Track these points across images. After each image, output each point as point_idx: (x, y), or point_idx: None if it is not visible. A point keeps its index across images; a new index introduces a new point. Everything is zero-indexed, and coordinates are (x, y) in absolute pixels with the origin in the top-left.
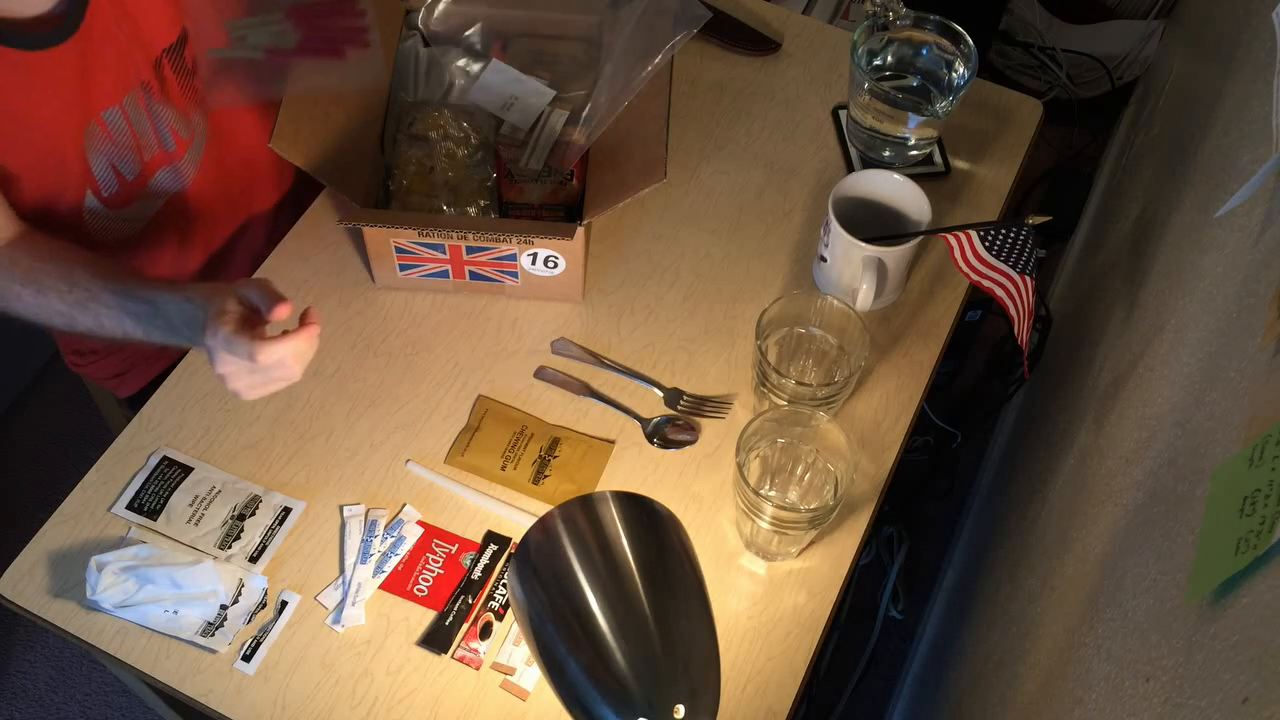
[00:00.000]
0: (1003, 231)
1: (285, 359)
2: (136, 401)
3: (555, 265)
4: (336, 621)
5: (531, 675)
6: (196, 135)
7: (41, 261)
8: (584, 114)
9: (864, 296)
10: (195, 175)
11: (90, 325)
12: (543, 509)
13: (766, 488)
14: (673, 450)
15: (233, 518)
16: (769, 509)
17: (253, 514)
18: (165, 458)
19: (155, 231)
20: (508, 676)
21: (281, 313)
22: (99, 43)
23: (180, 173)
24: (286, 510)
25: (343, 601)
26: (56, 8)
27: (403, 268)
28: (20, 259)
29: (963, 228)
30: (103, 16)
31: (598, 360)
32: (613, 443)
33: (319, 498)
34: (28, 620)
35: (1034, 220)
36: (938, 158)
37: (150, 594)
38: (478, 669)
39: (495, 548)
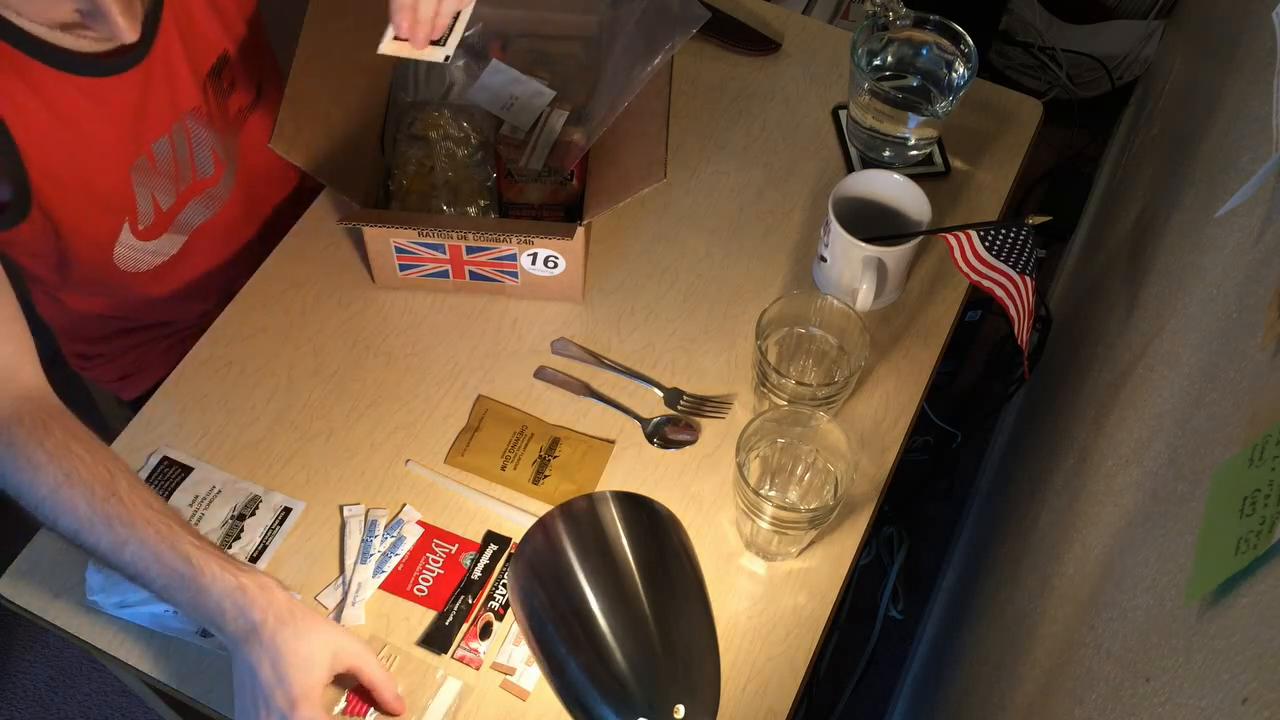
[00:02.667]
0: (1003, 231)
1: None
2: (139, 405)
3: (555, 265)
4: (336, 621)
5: (531, 675)
6: (231, 159)
7: (79, 445)
8: (584, 114)
9: (864, 296)
10: (226, 201)
11: (106, 549)
12: (543, 509)
13: (766, 488)
14: (673, 450)
15: (233, 518)
16: (769, 509)
17: (253, 514)
18: (165, 458)
19: (178, 265)
20: (508, 676)
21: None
22: (159, 69)
23: (213, 199)
24: (286, 510)
25: (343, 601)
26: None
27: (403, 268)
28: (55, 430)
29: (963, 228)
30: (167, 40)
31: (598, 360)
32: (613, 443)
33: (319, 498)
34: (28, 620)
35: (1034, 220)
36: (938, 158)
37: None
38: (478, 669)
39: (495, 548)
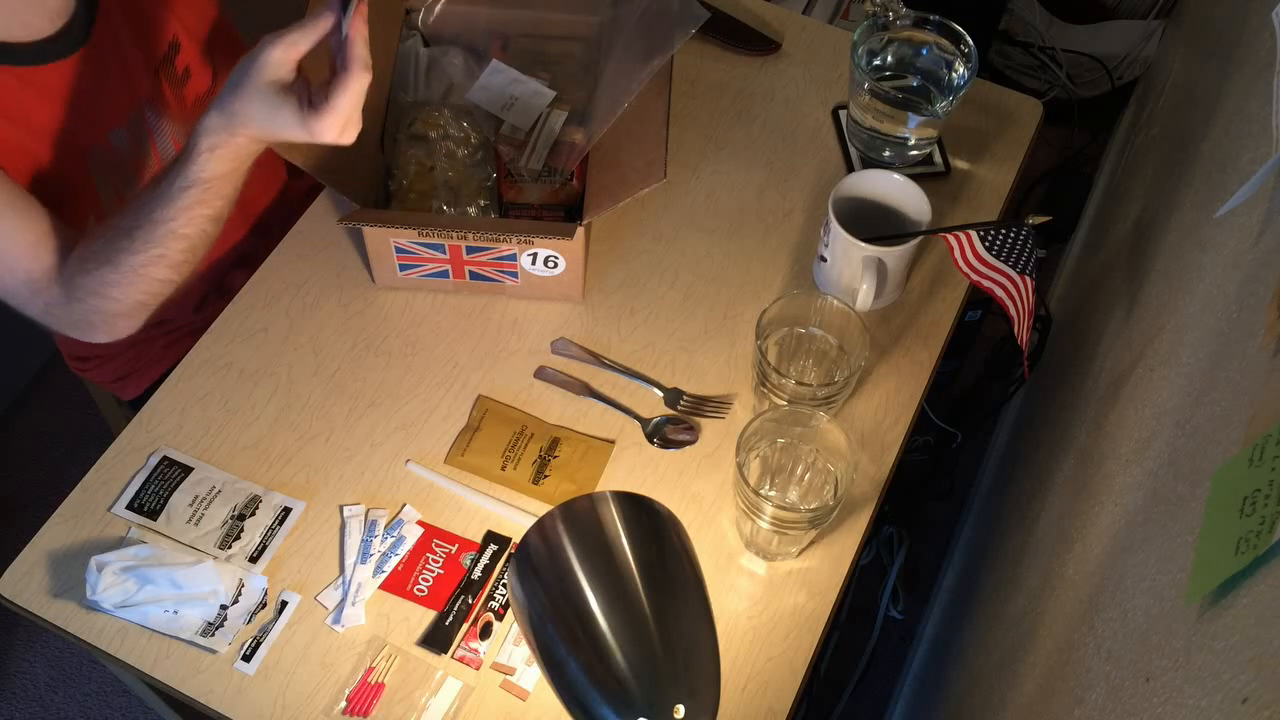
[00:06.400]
0: (1003, 231)
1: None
2: (139, 404)
3: (555, 265)
4: (336, 621)
5: (531, 675)
6: None
7: (99, 241)
8: (584, 114)
9: (864, 296)
10: None
11: (181, 248)
12: (543, 509)
13: (766, 488)
14: (673, 450)
15: (233, 518)
16: (769, 509)
17: (253, 514)
18: (165, 458)
19: None
20: (508, 676)
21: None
22: (106, 58)
23: None
24: (286, 510)
25: (343, 601)
26: (62, 29)
27: (403, 268)
28: (89, 250)
29: (963, 228)
30: (110, 30)
31: (598, 360)
32: (613, 443)
33: (319, 498)
34: (28, 620)
35: (1034, 220)
36: (938, 158)
37: (150, 594)
38: (478, 669)
39: (495, 548)
